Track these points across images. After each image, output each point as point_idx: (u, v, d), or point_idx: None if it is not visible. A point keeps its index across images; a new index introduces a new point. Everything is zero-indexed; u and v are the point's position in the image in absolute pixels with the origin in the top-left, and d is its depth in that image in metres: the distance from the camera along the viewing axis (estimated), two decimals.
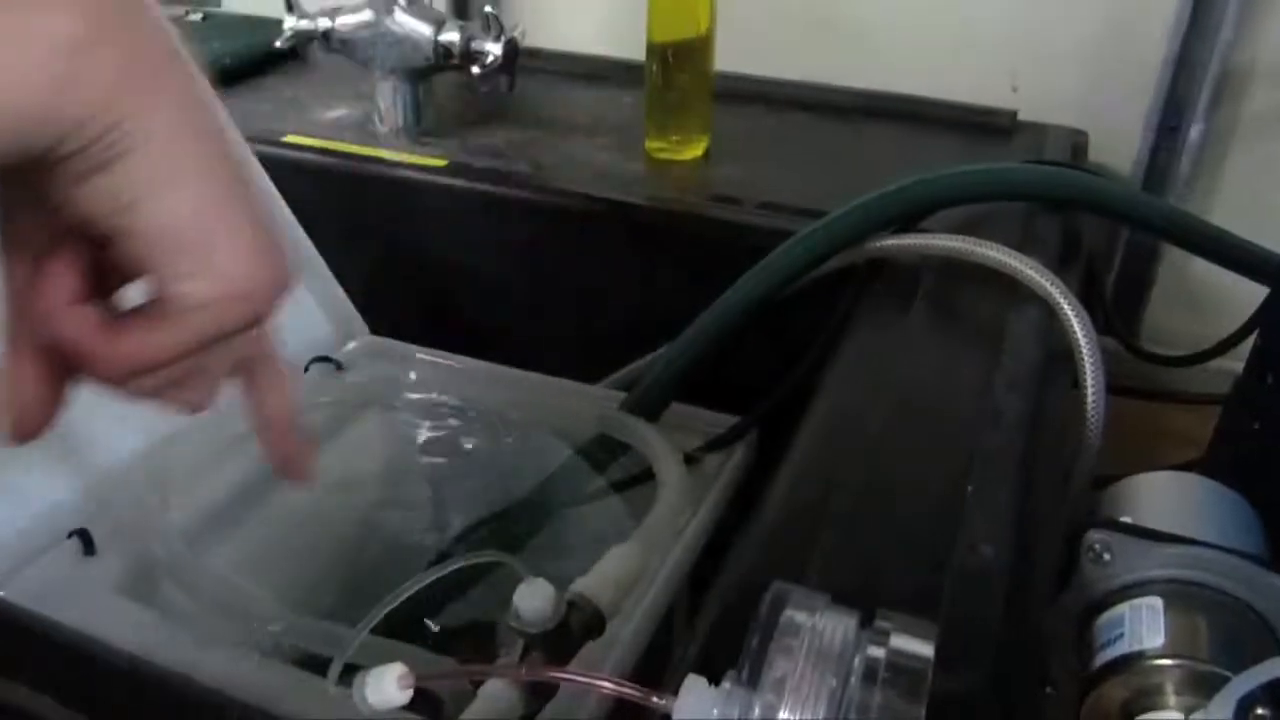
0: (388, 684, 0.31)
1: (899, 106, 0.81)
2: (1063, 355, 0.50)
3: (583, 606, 0.42)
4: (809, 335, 0.61)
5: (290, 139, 0.77)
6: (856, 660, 0.24)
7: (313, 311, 0.68)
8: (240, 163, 0.27)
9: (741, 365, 0.61)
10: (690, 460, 0.58)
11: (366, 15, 0.74)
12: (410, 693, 0.31)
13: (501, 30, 0.72)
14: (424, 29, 0.73)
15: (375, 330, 0.68)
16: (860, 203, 0.57)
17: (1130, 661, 0.38)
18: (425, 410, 0.64)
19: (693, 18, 0.71)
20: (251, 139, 0.76)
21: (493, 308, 0.73)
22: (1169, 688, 0.38)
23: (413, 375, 0.65)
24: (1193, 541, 0.40)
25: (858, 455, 0.43)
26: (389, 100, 0.77)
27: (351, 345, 0.68)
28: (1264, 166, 0.77)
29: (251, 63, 0.92)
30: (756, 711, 0.23)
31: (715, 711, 0.25)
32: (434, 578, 0.45)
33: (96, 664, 0.36)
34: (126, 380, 0.27)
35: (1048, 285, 0.51)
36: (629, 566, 0.44)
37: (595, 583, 0.43)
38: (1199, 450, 0.70)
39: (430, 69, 0.75)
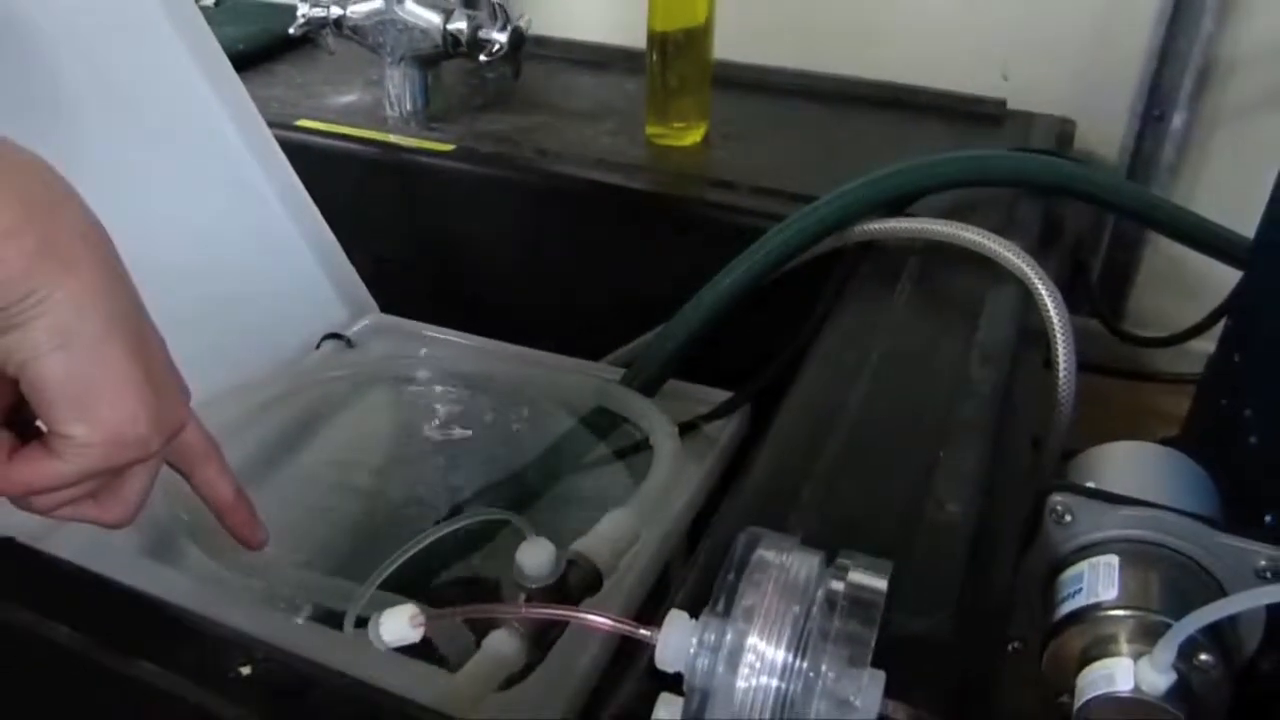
0: (401, 622, 0.34)
1: (891, 94, 0.84)
2: (1038, 334, 0.53)
3: (581, 564, 0.45)
4: (800, 314, 0.64)
5: (303, 123, 0.80)
6: (820, 593, 0.27)
7: (325, 290, 0.71)
8: (143, 323, 0.34)
9: (735, 343, 0.64)
10: (686, 432, 0.62)
11: (378, 4, 0.77)
12: (422, 630, 0.34)
13: (508, 20, 0.74)
14: (433, 18, 0.76)
15: (385, 309, 0.71)
16: (850, 188, 0.60)
17: (1087, 613, 0.41)
18: (433, 384, 0.67)
19: (692, 8, 0.73)
20: (266, 122, 0.79)
21: (498, 287, 0.76)
22: (1122, 636, 0.40)
23: (422, 351, 0.68)
24: (1148, 504, 0.43)
25: (838, 424, 0.46)
26: (399, 86, 0.80)
27: (363, 323, 0.71)
28: (1244, 152, 0.80)
29: (265, 49, 0.95)
30: (729, 636, 0.26)
31: (693, 639, 0.28)
32: (442, 533, 0.48)
33: (134, 611, 0.39)
34: (24, 497, 0.34)
35: (1024, 266, 0.54)
36: (625, 529, 0.47)
37: (593, 543, 0.46)
38: (1178, 427, 0.73)
39: (439, 56, 0.78)
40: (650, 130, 0.77)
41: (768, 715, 0.25)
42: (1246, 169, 0.81)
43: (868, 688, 0.25)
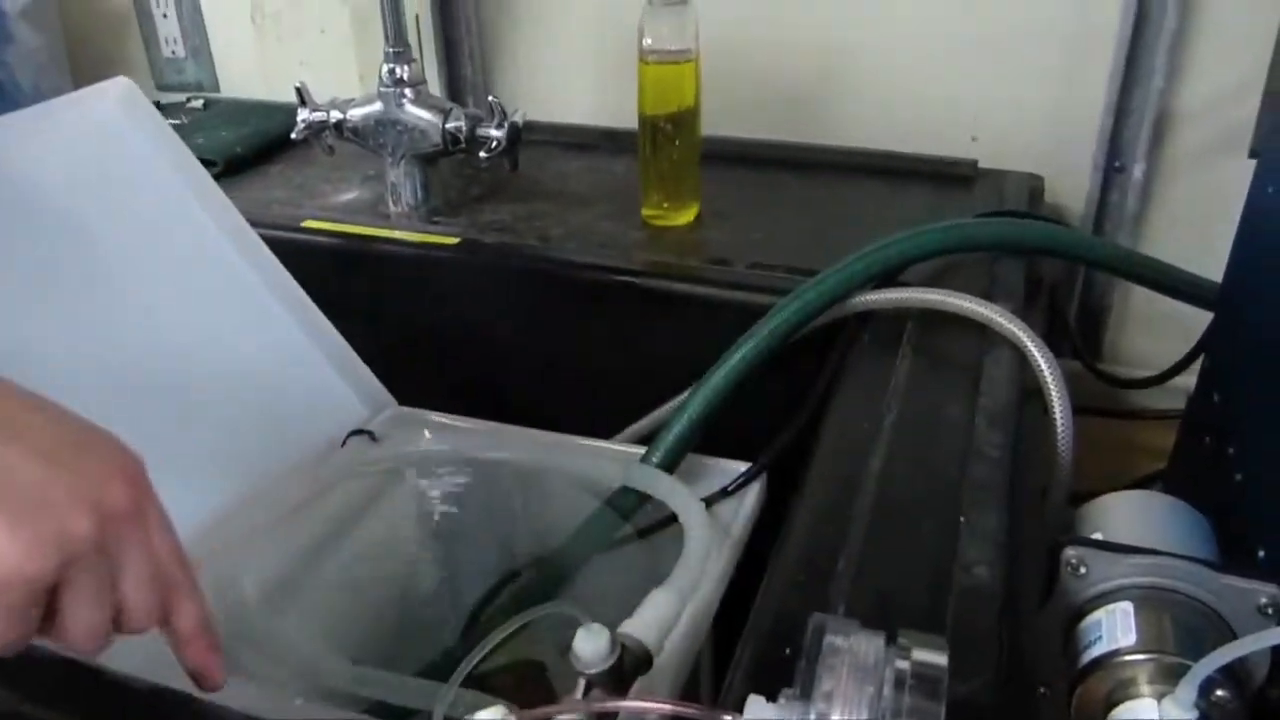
0: None
1: (870, 161, 0.88)
2: (1033, 390, 0.57)
3: (633, 648, 0.47)
4: (803, 385, 0.67)
5: (309, 224, 0.83)
6: (887, 672, 0.30)
7: (340, 389, 0.73)
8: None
9: (742, 415, 0.67)
10: (709, 505, 0.65)
11: (377, 106, 0.81)
12: None
13: (504, 116, 0.78)
14: (432, 118, 0.79)
15: (402, 402, 0.74)
16: (848, 261, 0.64)
17: (1109, 658, 0.45)
18: (457, 472, 0.69)
19: (680, 92, 0.77)
20: (272, 225, 0.82)
21: (510, 373, 0.79)
22: (1142, 679, 0.44)
23: (443, 442, 0.71)
24: (1155, 552, 0.46)
25: (862, 494, 0.49)
26: (400, 184, 0.83)
27: (382, 417, 0.74)
28: (1201, 198, 0.85)
29: (260, 150, 0.98)
30: (813, 716, 0.29)
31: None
32: (511, 630, 0.50)
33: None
34: None
35: (1016, 330, 0.58)
36: (668, 608, 0.50)
37: (640, 624, 0.48)
38: (1165, 460, 0.77)
39: (438, 154, 0.82)
40: (646, 212, 0.81)
41: None
42: (1204, 214, 0.86)
43: None
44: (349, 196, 0.88)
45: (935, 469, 0.50)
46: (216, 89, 1.17)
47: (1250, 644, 0.38)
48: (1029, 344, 0.57)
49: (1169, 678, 0.43)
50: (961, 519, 0.46)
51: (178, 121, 1.05)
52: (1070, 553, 0.47)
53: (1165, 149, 0.84)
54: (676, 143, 0.78)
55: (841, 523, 0.47)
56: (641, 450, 0.67)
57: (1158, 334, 0.90)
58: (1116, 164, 0.86)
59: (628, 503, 0.65)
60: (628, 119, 0.79)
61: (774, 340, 0.63)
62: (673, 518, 0.60)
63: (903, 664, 0.30)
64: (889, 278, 0.67)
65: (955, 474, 0.49)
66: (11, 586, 0.31)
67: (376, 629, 0.65)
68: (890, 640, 0.32)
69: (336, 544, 0.66)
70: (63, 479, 0.33)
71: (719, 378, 0.64)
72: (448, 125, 0.79)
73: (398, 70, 0.80)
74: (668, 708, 0.34)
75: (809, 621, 0.33)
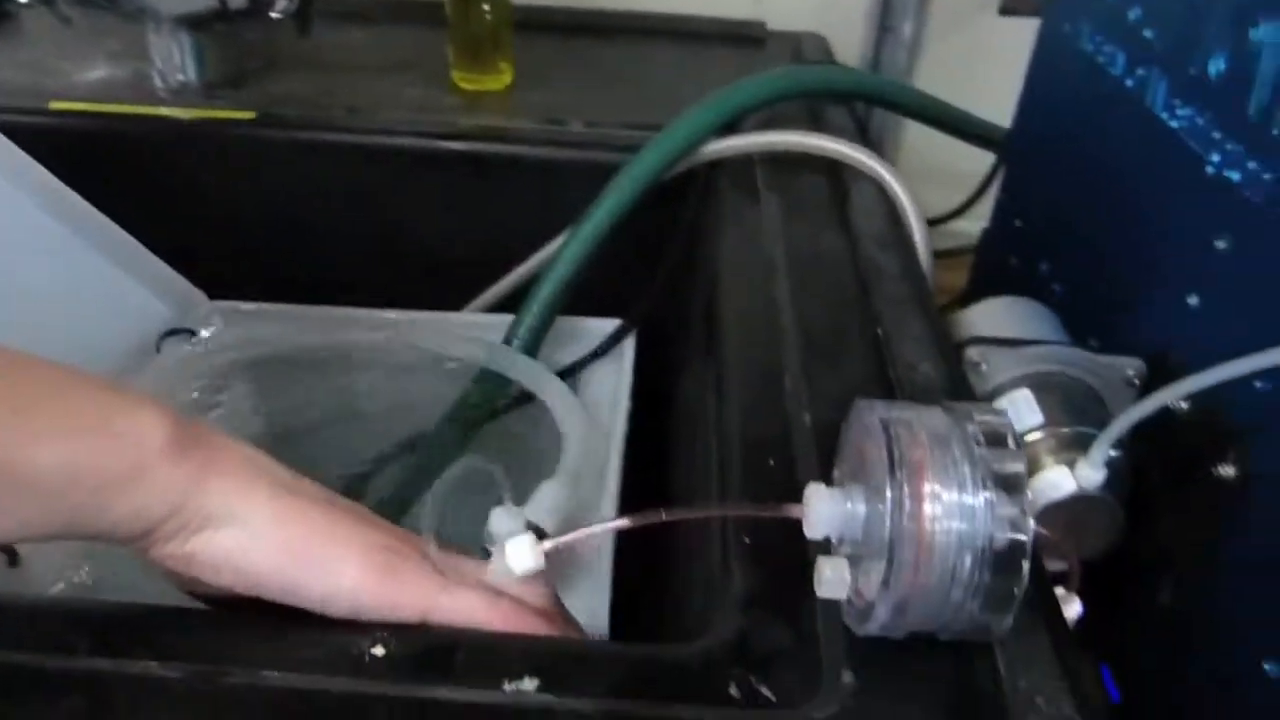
0: (525, 550, 0.34)
1: (665, 25, 0.88)
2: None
3: (536, 532, 0.45)
4: (660, 238, 0.67)
5: (58, 105, 0.71)
6: (958, 437, 0.31)
7: (137, 293, 0.64)
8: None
9: (604, 272, 0.66)
10: (584, 367, 0.64)
11: None
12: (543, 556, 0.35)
13: None
14: None
15: (218, 296, 0.66)
16: (696, 110, 0.64)
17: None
18: (299, 361, 0.64)
19: None
20: (4, 110, 0.69)
21: (337, 256, 0.73)
22: (1044, 453, 0.49)
23: (276, 330, 0.64)
24: (1042, 342, 0.51)
25: (782, 320, 0.50)
26: (169, 55, 0.73)
27: (196, 315, 0.66)
28: (963, 55, 0.93)
29: None
30: (906, 488, 0.30)
31: (848, 503, 0.32)
32: (446, 485, 0.47)
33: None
34: None
35: (875, 164, 0.61)
36: (560, 495, 0.48)
37: (536, 510, 0.47)
38: (948, 297, 0.85)
39: (212, 17, 0.72)
40: (459, 77, 0.76)
41: (955, 548, 0.29)
42: (966, 68, 0.94)
43: (1028, 506, 0.30)
44: (98, 75, 0.76)
45: (841, 292, 0.52)
46: None
47: (1156, 402, 0.44)
48: (885, 174, 0.61)
49: (1069, 447, 0.49)
50: (879, 331, 0.49)
51: None
52: (972, 351, 0.51)
53: (930, 9, 0.91)
54: (486, 4, 0.74)
55: (773, 347, 0.48)
56: (496, 318, 0.65)
57: (925, 185, 0.98)
58: (887, 23, 0.91)
59: (493, 382, 0.63)
60: None
61: (635, 193, 0.63)
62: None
63: (971, 427, 0.31)
64: (730, 127, 0.68)
65: (860, 293, 0.52)
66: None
67: None
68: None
69: None
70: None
71: (582, 237, 0.62)
72: None
73: None
74: (720, 513, 0.34)
75: (854, 408, 0.33)
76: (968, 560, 0.29)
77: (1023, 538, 0.29)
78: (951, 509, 0.29)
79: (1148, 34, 0.54)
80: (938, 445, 0.31)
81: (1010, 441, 0.31)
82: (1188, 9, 0.50)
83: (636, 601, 0.53)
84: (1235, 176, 0.45)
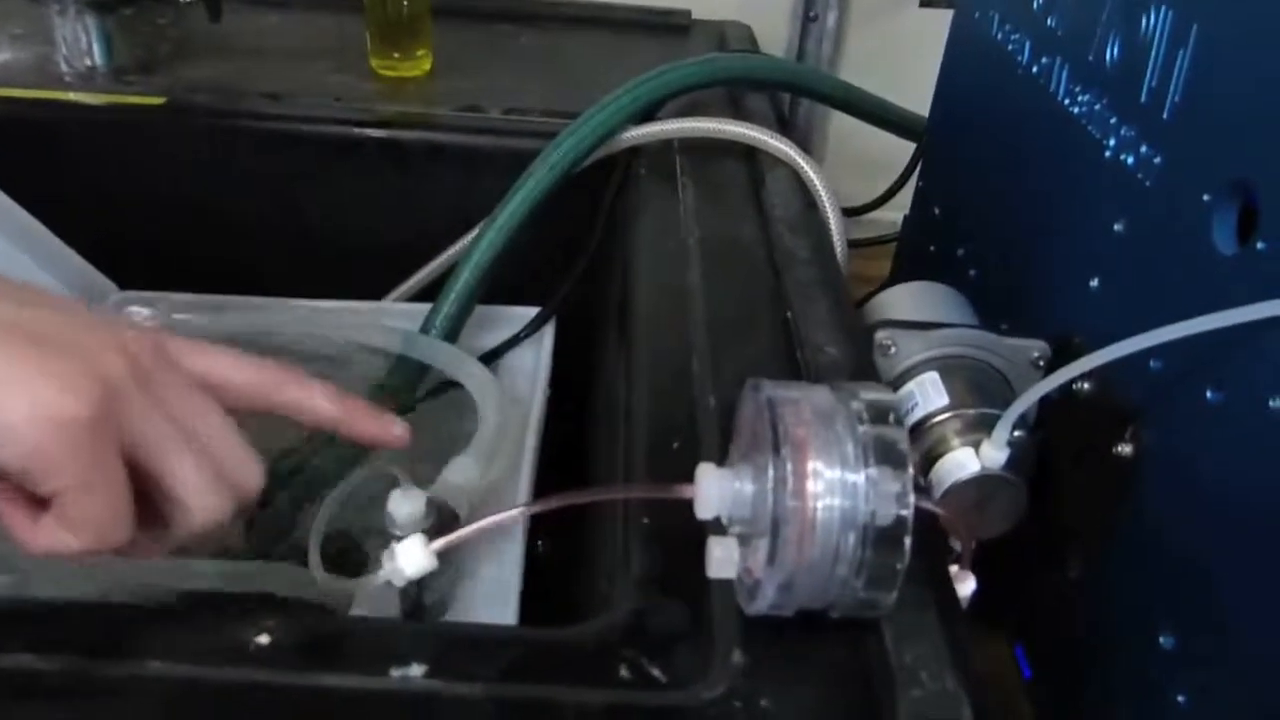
0: (419, 551, 0.34)
1: (590, 13, 0.88)
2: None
3: (444, 510, 0.44)
4: (579, 226, 0.67)
5: None
6: (842, 415, 0.31)
7: (44, 284, 0.63)
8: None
9: (523, 259, 0.66)
10: (503, 353, 0.63)
11: None
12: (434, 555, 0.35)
13: None
14: None
15: (134, 288, 0.65)
16: (614, 96, 0.64)
17: (924, 422, 0.50)
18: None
19: None
20: None
21: (248, 244, 0.72)
22: (952, 433, 0.50)
23: (190, 319, 0.63)
24: (949, 325, 0.52)
25: (692, 303, 0.50)
26: (75, 38, 0.71)
27: (106, 305, 0.64)
28: (886, 45, 0.93)
29: None
30: (790, 466, 0.30)
31: (736, 483, 0.32)
32: (345, 495, 0.47)
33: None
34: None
35: (790, 152, 0.61)
36: (471, 471, 0.48)
37: (445, 488, 0.46)
38: (870, 286, 0.86)
39: (120, 1, 0.70)
40: (377, 63, 0.75)
41: (836, 525, 0.30)
42: (887, 58, 0.95)
43: (909, 482, 0.30)
44: (1, 58, 0.74)
45: (752, 276, 0.52)
46: None
47: (1052, 382, 0.44)
48: (801, 162, 0.61)
49: (975, 428, 0.50)
50: (788, 314, 0.49)
51: None
52: (881, 334, 0.51)
53: None
54: None
55: (682, 331, 0.48)
56: (415, 306, 0.64)
57: (850, 174, 0.99)
58: (811, 13, 0.92)
59: (409, 371, 0.62)
60: None
61: (554, 180, 0.62)
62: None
63: (856, 404, 0.31)
64: (649, 114, 0.68)
65: (772, 278, 0.52)
66: (63, 425, 0.29)
67: None
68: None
69: None
70: (88, 328, 0.32)
71: (500, 224, 0.62)
72: None
73: None
74: (613, 495, 0.34)
75: (745, 387, 0.33)
76: (850, 537, 0.29)
77: (905, 514, 0.30)
78: (834, 486, 0.30)
79: (1051, 22, 0.55)
80: (821, 423, 0.31)
81: (894, 419, 0.31)
82: None
83: (551, 586, 0.53)
84: (1130, 161, 0.46)
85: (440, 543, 0.34)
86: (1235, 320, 0.37)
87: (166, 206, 0.71)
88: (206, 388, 0.35)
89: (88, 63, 0.72)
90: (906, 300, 0.57)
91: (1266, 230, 0.37)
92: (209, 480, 0.33)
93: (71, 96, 0.69)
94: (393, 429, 0.40)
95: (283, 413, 0.38)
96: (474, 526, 0.34)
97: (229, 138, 0.69)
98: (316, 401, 0.38)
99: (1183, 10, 0.43)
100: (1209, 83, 0.42)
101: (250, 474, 0.35)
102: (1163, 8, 0.44)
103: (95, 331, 0.32)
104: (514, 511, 0.33)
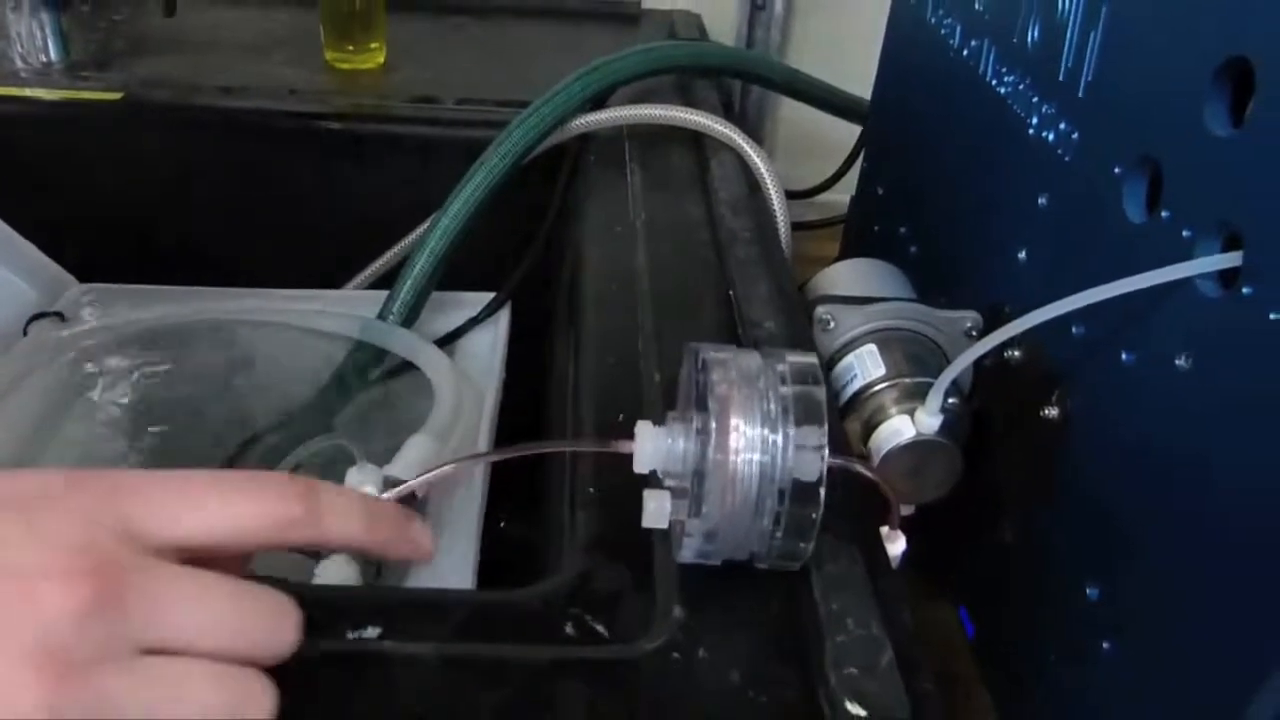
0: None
1: (542, 4, 0.89)
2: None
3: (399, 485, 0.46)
4: (533, 213, 0.69)
5: None
6: (766, 376, 0.33)
7: (2, 278, 0.64)
8: None
9: (478, 246, 0.67)
10: (459, 336, 0.65)
11: None
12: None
13: None
14: None
15: (91, 279, 0.66)
16: (565, 85, 0.65)
17: (863, 392, 0.52)
18: (173, 338, 0.63)
19: None
20: None
21: (207, 237, 0.73)
22: (889, 402, 0.52)
23: (149, 310, 0.64)
24: (886, 299, 0.54)
25: (638, 283, 0.52)
26: (30, 34, 0.71)
27: (66, 298, 0.65)
28: (831, 30, 0.96)
29: None
30: (714, 424, 0.32)
31: (669, 439, 0.34)
32: (292, 465, 0.48)
33: None
34: None
35: (732, 134, 0.63)
36: (427, 449, 0.49)
37: (402, 466, 0.48)
38: (822, 265, 0.89)
39: None
40: (331, 56, 0.76)
41: (756, 478, 0.32)
42: (833, 43, 0.97)
43: (824, 439, 0.32)
44: None
45: (697, 257, 0.54)
46: None
47: (979, 349, 0.47)
48: (745, 146, 0.63)
49: (911, 397, 0.52)
50: (731, 292, 0.51)
51: None
52: (821, 310, 0.53)
53: None
54: None
55: (628, 309, 0.50)
56: (371, 294, 0.66)
57: (801, 158, 1.01)
58: (759, 1, 0.94)
59: (367, 356, 0.64)
60: None
61: (507, 167, 0.64)
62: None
63: (781, 366, 0.33)
64: (599, 101, 0.69)
65: (716, 258, 0.54)
66: None
67: None
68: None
69: (63, 422, 0.58)
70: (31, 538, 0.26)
71: (455, 211, 0.63)
72: None
73: None
74: (559, 447, 0.36)
75: (685, 350, 0.35)
76: (770, 488, 0.31)
77: (820, 467, 0.32)
78: (754, 442, 0.32)
79: (979, 6, 0.57)
80: (745, 383, 0.33)
81: (814, 380, 0.33)
82: None
83: (515, 564, 0.55)
84: (1050, 137, 0.49)
85: (394, 491, 0.36)
86: (1142, 284, 0.39)
87: (125, 200, 0.72)
88: (200, 557, 0.29)
89: (43, 59, 0.73)
90: (846, 276, 0.59)
91: (1169, 199, 0.40)
92: (234, 697, 0.27)
93: (28, 93, 0.70)
94: (424, 547, 0.35)
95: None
96: (424, 476, 0.36)
97: (186, 131, 0.70)
98: (338, 536, 0.32)
99: None
100: (1117, 62, 0.44)
101: (283, 632, 0.29)
102: None
103: (42, 542, 0.25)
104: (457, 462, 0.35)
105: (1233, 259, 0.36)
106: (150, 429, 0.61)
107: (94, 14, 0.72)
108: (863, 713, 0.30)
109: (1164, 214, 0.40)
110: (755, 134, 0.99)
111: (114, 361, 0.62)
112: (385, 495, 0.36)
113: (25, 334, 0.62)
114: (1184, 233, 0.39)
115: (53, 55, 0.73)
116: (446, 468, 0.35)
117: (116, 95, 0.70)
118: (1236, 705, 0.35)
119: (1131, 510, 0.42)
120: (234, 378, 0.63)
